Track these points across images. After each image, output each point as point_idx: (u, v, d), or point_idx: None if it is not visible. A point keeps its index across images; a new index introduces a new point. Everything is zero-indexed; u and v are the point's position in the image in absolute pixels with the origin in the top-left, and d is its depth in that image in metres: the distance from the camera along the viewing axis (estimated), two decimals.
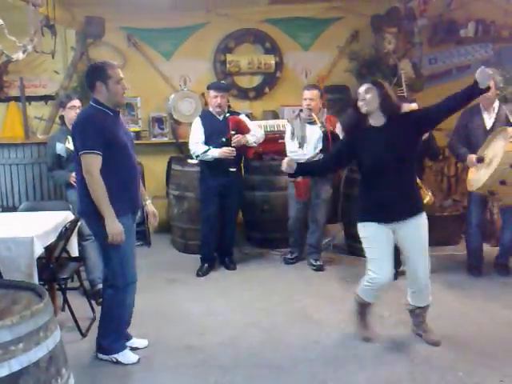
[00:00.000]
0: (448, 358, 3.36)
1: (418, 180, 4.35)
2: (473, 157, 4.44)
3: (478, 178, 4.32)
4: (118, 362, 3.39)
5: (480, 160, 4.35)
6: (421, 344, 3.56)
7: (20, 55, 5.22)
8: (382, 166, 3.32)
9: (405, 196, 3.39)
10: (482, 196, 4.61)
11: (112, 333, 3.42)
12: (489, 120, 4.58)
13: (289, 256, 5.34)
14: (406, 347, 3.53)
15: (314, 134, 4.87)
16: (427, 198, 4.37)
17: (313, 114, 4.85)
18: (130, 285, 3.40)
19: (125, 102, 3.47)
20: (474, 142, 4.56)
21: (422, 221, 3.44)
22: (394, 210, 3.37)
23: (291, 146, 5.00)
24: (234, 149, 4.82)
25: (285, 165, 3.52)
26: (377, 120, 3.39)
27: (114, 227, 3.17)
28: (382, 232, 3.41)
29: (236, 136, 4.86)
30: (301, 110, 5.07)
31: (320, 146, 4.86)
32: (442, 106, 3.35)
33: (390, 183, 3.33)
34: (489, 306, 4.17)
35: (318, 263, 5.12)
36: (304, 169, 3.78)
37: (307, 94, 4.93)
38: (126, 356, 3.42)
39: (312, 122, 4.88)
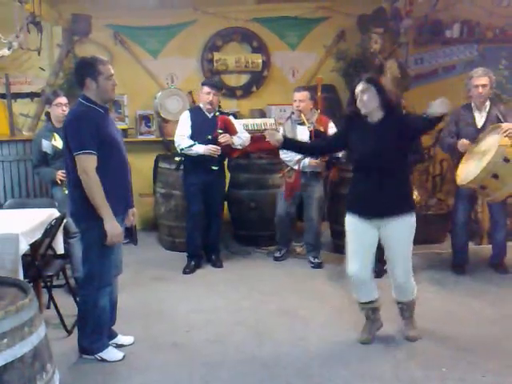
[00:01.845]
0: (431, 354, 3.40)
1: None
2: (465, 141, 4.46)
3: (469, 171, 4.31)
4: (102, 360, 3.38)
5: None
6: (405, 340, 3.59)
7: (5, 52, 5.21)
8: (370, 160, 3.33)
9: (390, 194, 3.34)
10: (469, 194, 4.65)
11: (91, 334, 3.37)
12: (480, 119, 4.61)
13: (277, 254, 5.38)
14: (389, 343, 3.57)
15: (305, 134, 4.89)
16: (413, 196, 4.42)
17: (302, 115, 4.90)
18: (104, 287, 3.32)
19: (114, 98, 3.41)
20: (464, 139, 4.59)
21: (407, 222, 3.41)
22: (376, 206, 3.37)
23: None
24: (219, 147, 4.84)
25: (272, 137, 3.54)
26: (374, 116, 3.37)
27: (114, 228, 3.15)
28: (363, 227, 3.43)
29: (223, 134, 4.88)
30: (292, 112, 5.12)
31: None
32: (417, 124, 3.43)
33: (376, 178, 3.32)
34: (472, 303, 4.22)
35: (317, 260, 5.15)
36: (292, 143, 3.83)
37: (297, 95, 4.98)
38: (110, 353, 3.41)
39: (302, 123, 4.93)
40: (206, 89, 4.93)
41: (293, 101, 5.02)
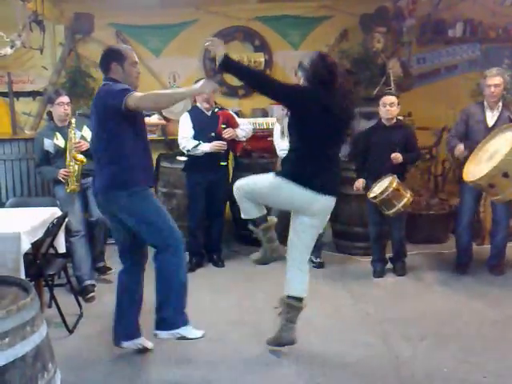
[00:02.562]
0: (433, 355, 3.40)
1: (396, 181, 4.41)
2: (461, 146, 4.52)
3: (478, 168, 4.27)
4: (182, 338, 3.18)
5: (466, 147, 4.48)
6: (406, 340, 3.59)
7: (8, 50, 5.22)
8: None
9: None
10: (473, 194, 4.63)
11: (173, 303, 3.16)
12: (491, 118, 4.60)
13: None
14: (391, 343, 3.56)
15: None
16: (405, 199, 4.43)
17: None
18: (181, 244, 3.22)
19: (138, 85, 3.35)
20: (474, 137, 4.57)
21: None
22: None
23: (281, 144, 5.01)
24: (225, 142, 4.85)
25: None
26: None
27: (199, 85, 3.12)
28: None
29: (228, 129, 4.89)
30: None
31: None
32: None
33: None
34: (474, 303, 4.21)
35: (319, 260, 5.13)
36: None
37: None
38: (191, 331, 3.21)
39: None
40: None
41: None
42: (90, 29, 6.24)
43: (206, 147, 4.85)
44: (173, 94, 3.21)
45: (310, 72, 3.20)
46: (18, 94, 6.17)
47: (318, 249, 5.20)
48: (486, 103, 4.66)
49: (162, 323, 3.20)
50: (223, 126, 4.89)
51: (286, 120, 5.01)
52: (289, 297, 3.38)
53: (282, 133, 5.01)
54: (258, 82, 3.25)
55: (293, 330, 3.38)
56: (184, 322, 3.20)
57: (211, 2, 6.39)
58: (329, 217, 3.54)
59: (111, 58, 3.24)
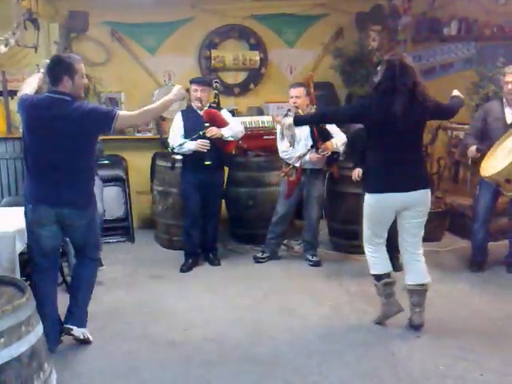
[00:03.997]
0: (430, 352, 3.40)
1: None
2: (474, 148, 4.57)
3: (495, 164, 4.26)
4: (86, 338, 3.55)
5: (479, 150, 4.54)
6: (403, 338, 3.60)
7: (2, 49, 5.18)
8: None
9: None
10: (492, 191, 4.60)
11: (86, 306, 3.60)
12: (510, 115, 4.59)
13: (259, 255, 5.27)
14: (388, 341, 3.57)
15: (304, 131, 4.83)
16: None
17: (300, 112, 4.85)
18: None
19: (83, 95, 3.63)
20: (492, 134, 4.55)
21: None
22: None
23: (282, 145, 4.98)
24: (208, 141, 4.80)
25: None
26: None
27: (172, 94, 3.51)
28: None
29: (210, 128, 4.82)
30: (289, 110, 5.08)
31: (311, 142, 4.88)
32: None
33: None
34: (472, 301, 4.23)
35: (315, 259, 5.13)
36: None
37: (293, 91, 4.94)
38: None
39: None
40: (193, 86, 4.93)
41: (289, 98, 4.98)
42: (85, 27, 6.19)
43: (191, 145, 4.81)
44: (153, 109, 3.49)
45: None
46: (13, 93, 6.12)
47: (314, 247, 5.21)
48: (504, 100, 4.65)
49: (76, 320, 3.51)
50: (207, 125, 4.81)
51: (285, 120, 5.02)
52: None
53: (282, 133, 4.96)
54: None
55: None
56: None
57: (207, 0, 6.37)
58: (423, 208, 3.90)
59: (63, 71, 3.26)
